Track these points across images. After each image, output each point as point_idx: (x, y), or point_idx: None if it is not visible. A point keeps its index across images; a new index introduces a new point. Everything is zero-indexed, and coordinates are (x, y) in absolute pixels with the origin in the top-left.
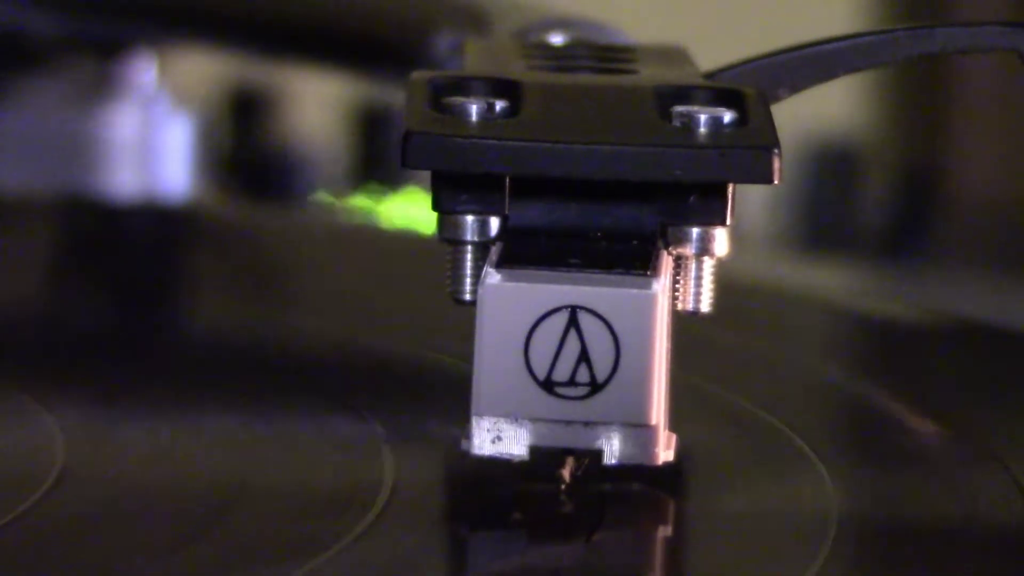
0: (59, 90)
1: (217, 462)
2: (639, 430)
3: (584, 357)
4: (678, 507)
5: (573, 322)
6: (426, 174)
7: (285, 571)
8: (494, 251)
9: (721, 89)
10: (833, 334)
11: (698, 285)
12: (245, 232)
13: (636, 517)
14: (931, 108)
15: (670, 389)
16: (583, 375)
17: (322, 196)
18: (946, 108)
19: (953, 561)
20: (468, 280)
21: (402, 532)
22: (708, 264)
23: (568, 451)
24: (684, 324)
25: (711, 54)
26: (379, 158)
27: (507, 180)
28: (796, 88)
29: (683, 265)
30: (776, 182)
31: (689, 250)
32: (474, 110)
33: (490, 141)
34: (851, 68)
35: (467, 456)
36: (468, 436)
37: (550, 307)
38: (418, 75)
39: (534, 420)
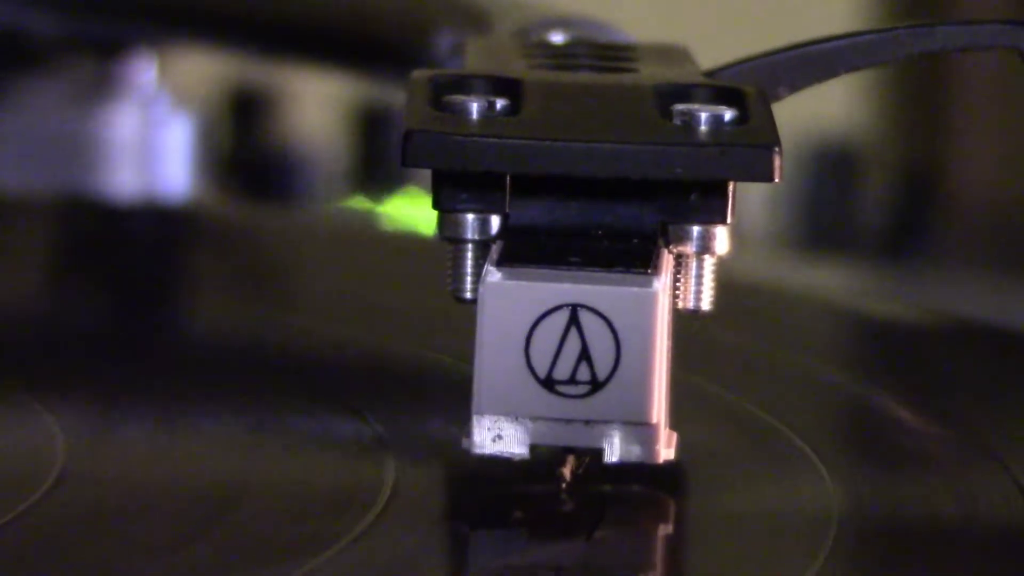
0: (59, 90)
1: (217, 462)
2: (640, 428)
3: (585, 355)
4: (678, 506)
5: (574, 320)
6: (426, 174)
7: (285, 571)
8: (495, 249)
9: (722, 87)
10: (833, 334)
11: (699, 283)
12: (245, 232)
13: (637, 516)
14: (931, 108)
15: (670, 388)
16: (584, 373)
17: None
18: (946, 108)
19: (953, 561)
20: (469, 278)
21: (402, 532)
22: (709, 262)
23: (569, 449)
24: (684, 323)
25: (711, 53)
26: (379, 158)
27: (508, 178)
28: (796, 87)
29: (684, 263)
30: (777, 180)
31: (690, 248)
32: (475, 108)
33: (491, 139)
34: (851, 67)
35: (467, 455)
36: (468, 435)
37: (551, 305)
38: (418, 74)
39: (535, 419)
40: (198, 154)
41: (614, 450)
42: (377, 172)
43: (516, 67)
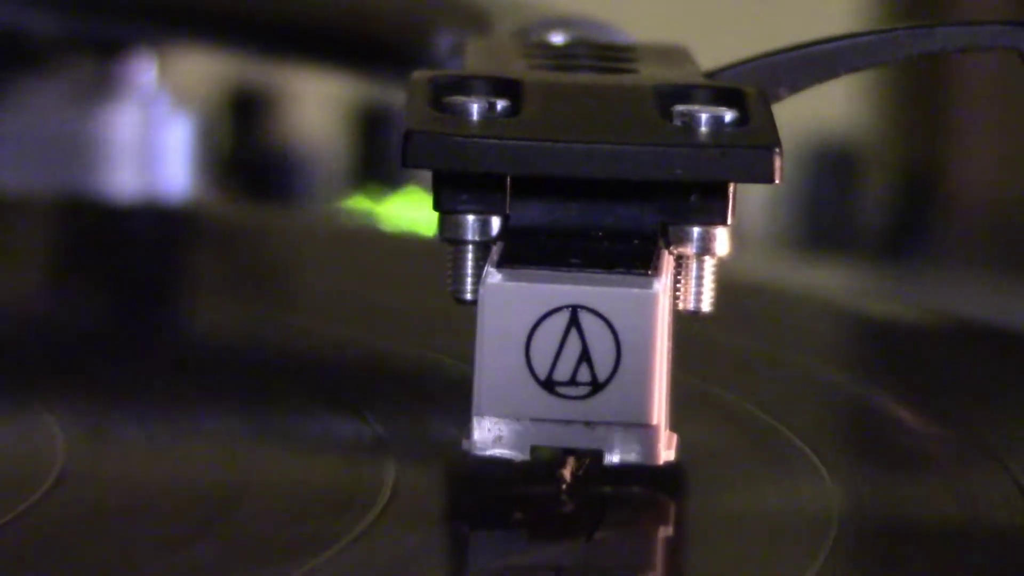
0: (59, 90)
1: (217, 462)
2: (640, 429)
3: (585, 357)
4: (678, 507)
5: (574, 322)
6: (426, 174)
7: (285, 571)
8: (495, 251)
9: (722, 88)
10: (833, 334)
11: (699, 285)
12: (245, 232)
13: (637, 517)
14: (931, 108)
15: (670, 389)
16: (584, 375)
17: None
18: (946, 108)
19: (953, 561)
20: (469, 280)
21: (402, 532)
22: (709, 264)
23: (569, 451)
24: (684, 324)
25: (711, 54)
26: (379, 158)
27: (508, 179)
28: (796, 88)
29: (684, 265)
30: (777, 181)
31: (690, 249)
32: (475, 109)
33: (491, 140)
34: (851, 68)
35: (468, 456)
36: (469, 436)
37: (551, 307)
38: (419, 74)
39: (535, 420)
40: (198, 154)
41: (614, 451)
42: (377, 172)
43: (516, 68)
